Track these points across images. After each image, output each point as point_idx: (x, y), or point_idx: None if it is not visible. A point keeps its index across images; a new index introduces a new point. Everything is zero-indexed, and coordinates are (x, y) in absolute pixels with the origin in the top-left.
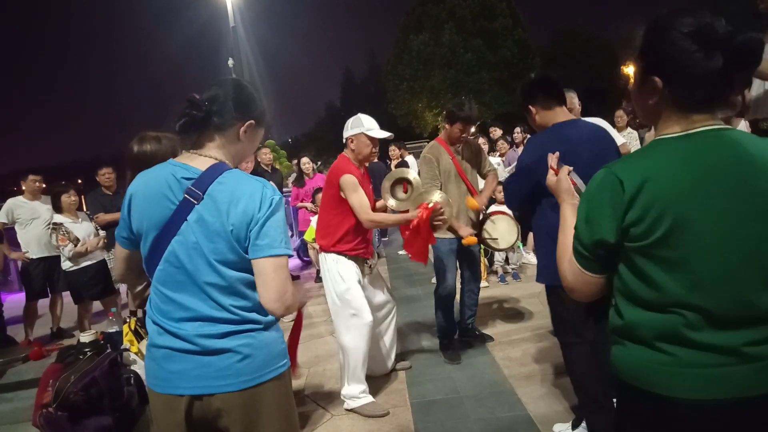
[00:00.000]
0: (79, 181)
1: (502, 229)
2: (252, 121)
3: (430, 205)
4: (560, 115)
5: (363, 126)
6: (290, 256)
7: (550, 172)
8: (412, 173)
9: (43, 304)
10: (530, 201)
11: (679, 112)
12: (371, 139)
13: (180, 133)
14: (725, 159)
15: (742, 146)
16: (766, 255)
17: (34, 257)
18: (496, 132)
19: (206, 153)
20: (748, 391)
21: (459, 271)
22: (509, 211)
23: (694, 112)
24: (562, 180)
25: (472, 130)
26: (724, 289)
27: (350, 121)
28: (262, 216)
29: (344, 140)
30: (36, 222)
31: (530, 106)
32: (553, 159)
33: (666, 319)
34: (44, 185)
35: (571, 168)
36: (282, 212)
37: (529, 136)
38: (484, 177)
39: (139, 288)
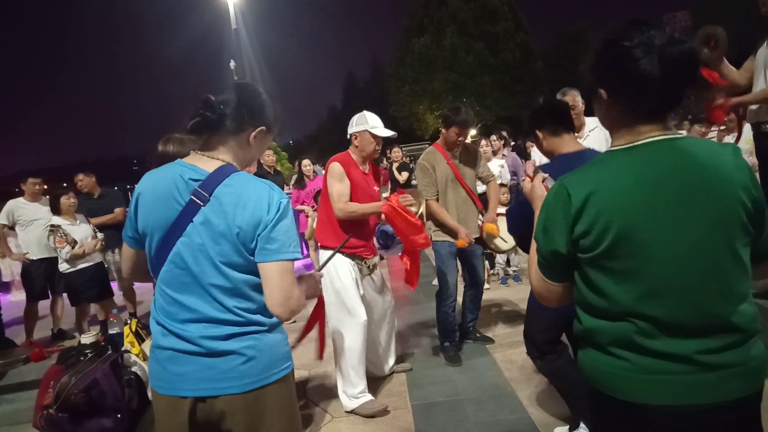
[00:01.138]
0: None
1: (504, 231)
2: (263, 128)
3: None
4: (568, 142)
5: (367, 123)
6: (298, 259)
7: (526, 179)
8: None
9: (43, 305)
10: (531, 231)
11: (626, 124)
12: (375, 136)
13: (191, 133)
14: (673, 169)
15: (691, 155)
16: (722, 264)
17: (35, 258)
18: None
19: (214, 155)
20: (708, 399)
21: (462, 274)
22: None
23: (640, 123)
24: (536, 187)
25: (473, 132)
26: (678, 299)
27: (355, 118)
28: (270, 220)
29: (348, 136)
30: (36, 223)
31: (537, 132)
32: (529, 166)
33: (619, 327)
34: (45, 187)
35: (546, 175)
36: (291, 216)
37: (510, 142)
38: (485, 183)
39: None
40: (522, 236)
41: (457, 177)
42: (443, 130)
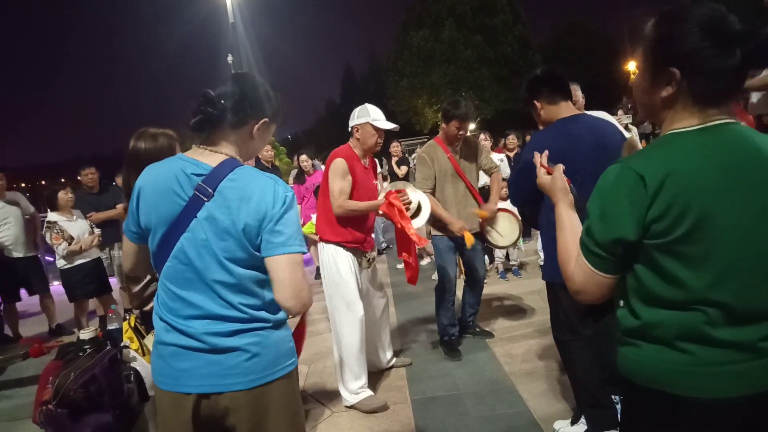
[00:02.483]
0: (78, 178)
1: (504, 226)
2: (266, 119)
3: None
4: (565, 110)
5: (369, 116)
6: (305, 253)
7: (542, 170)
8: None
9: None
10: (535, 198)
11: (696, 106)
12: (377, 129)
13: (194, 131)
14: (743, 152)
15: (754, 139)
16: None
17: (15, 256)
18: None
19: (217, 149)
20: (762, 387)
21: (462, 268)
22: (512, 208)
23: (711, 106)
24: (557, 178)
25: (472, 126)
26: (744, 284)
27: (357, 111)
28: (275, 213)
29: (350, 129)
30: (7, 220)
31: (535, 102)
32: (543, 158)
33: (687, 317)
34: (4, 182)
35: (563, 167)
36: (295, 209)
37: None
38: (488, 174)
39: (137, 288)
40: (524, 205)
41: (457, 171)
42: (443, 125)
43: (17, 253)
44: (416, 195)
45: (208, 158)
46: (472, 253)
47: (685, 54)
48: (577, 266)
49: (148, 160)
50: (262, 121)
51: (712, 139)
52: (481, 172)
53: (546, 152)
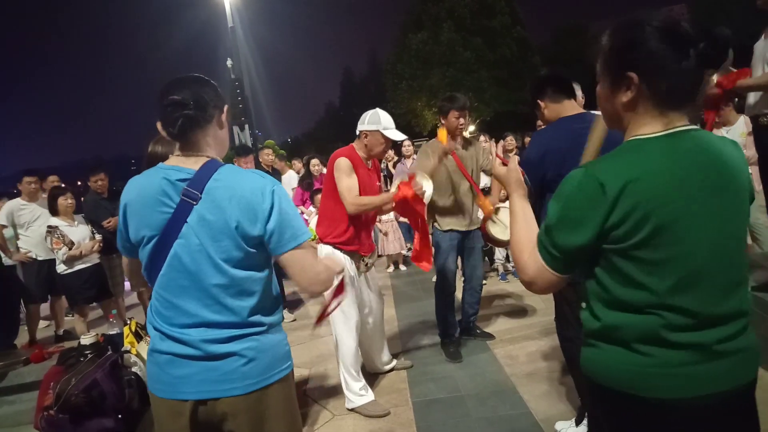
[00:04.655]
0: (78, 183)
1: (506, 218)
2: (226, 105)
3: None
4: (569, 108)
5: (380, 124)
6: (310, 237)
7: (497, 161)
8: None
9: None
10: (536, 195)
11: (657, 109)
12: (386, 138)
13: (178, 138)
14: (705, 158)
15: (715, 147)
16: (737, 252)
17: (40, 259)
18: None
19: (195, 152)
20: (721, 386)
21: (461, 269)
22: None
23: (671, 109)
24: (512, 170)
25: (472, 128)
26: (706, 289)
27: (368, 115)
28: (266, 208)
29: (357, 132)
30: (37, 223)
31: (539, 101)
32: (498, 149)
33: (646, 320)
34: (41, 185)
35: (518, 158)
36: (287, 197)
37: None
38: (489, 175)
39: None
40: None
41: (459, 168)
42: (442, 120)
43: (40, 256)
44: (427, 183)
45: (189, 163)
46: (473, 253)
47: (643, 58)
48: (530, 259)
49: None
50: (225, 108)
51: (674, 145)
52: (482, 174)
53: (501, 143)
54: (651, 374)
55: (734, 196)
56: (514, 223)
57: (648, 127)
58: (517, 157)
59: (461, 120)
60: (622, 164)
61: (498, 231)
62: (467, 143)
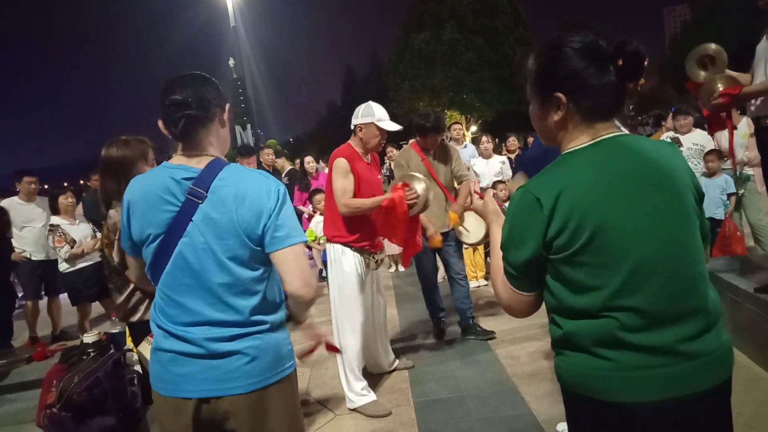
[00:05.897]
0: (81, 182)
1: (471, 223)
2: (228, 103)
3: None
4: None
5: (374, 116)
6: (305, 242)
7: (475, 196)
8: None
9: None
10: None
11: (585, 123)
12: (380, 130)
13: (181, 138)
14: (633, 162)
15: (644, 149)
16: (687, 248)
17: (34, 259)
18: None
19: (201, 152)
20: (688, 390)
21: (443, 267)
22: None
23: (598, 121)
24: (488, 202)
25: (474, 129)
26: (655, 285)
27: (361, 109)
28: (272, 207)
29: (352, 127)
30: (32, 224)
31: None
32: (475, 185)
33: (600, 324)
34: (40, 187)
35: (495, 191)
36: (289, 202)
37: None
38: (458, 182)
39: (121, 299)
40: None
41: (431, 174)
42: (419, 138)
43: (37, 256)
44: (421, 186)
45: (194, 162)
46: (447, 249)
47: (567, 77)
48: (502, 285)
49: (121, 166)
50: (227, 106)
51: (601, 152)
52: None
53: (478, 180)
54: (611, 378)
55: (670, 192)
56: (493, 251)
57: (577, 141)
58: (492, 190)
59: (440, 139)
60: (554, 177)
61: (466, 237)
62: (442, 149)
